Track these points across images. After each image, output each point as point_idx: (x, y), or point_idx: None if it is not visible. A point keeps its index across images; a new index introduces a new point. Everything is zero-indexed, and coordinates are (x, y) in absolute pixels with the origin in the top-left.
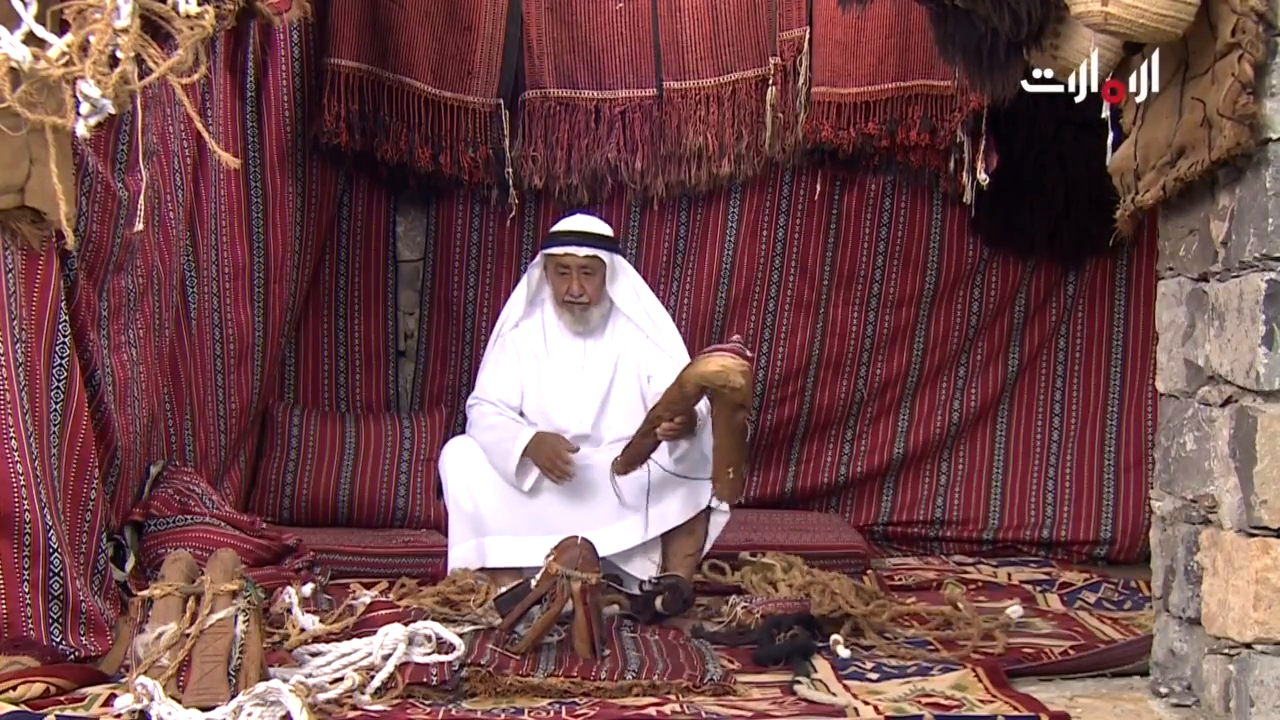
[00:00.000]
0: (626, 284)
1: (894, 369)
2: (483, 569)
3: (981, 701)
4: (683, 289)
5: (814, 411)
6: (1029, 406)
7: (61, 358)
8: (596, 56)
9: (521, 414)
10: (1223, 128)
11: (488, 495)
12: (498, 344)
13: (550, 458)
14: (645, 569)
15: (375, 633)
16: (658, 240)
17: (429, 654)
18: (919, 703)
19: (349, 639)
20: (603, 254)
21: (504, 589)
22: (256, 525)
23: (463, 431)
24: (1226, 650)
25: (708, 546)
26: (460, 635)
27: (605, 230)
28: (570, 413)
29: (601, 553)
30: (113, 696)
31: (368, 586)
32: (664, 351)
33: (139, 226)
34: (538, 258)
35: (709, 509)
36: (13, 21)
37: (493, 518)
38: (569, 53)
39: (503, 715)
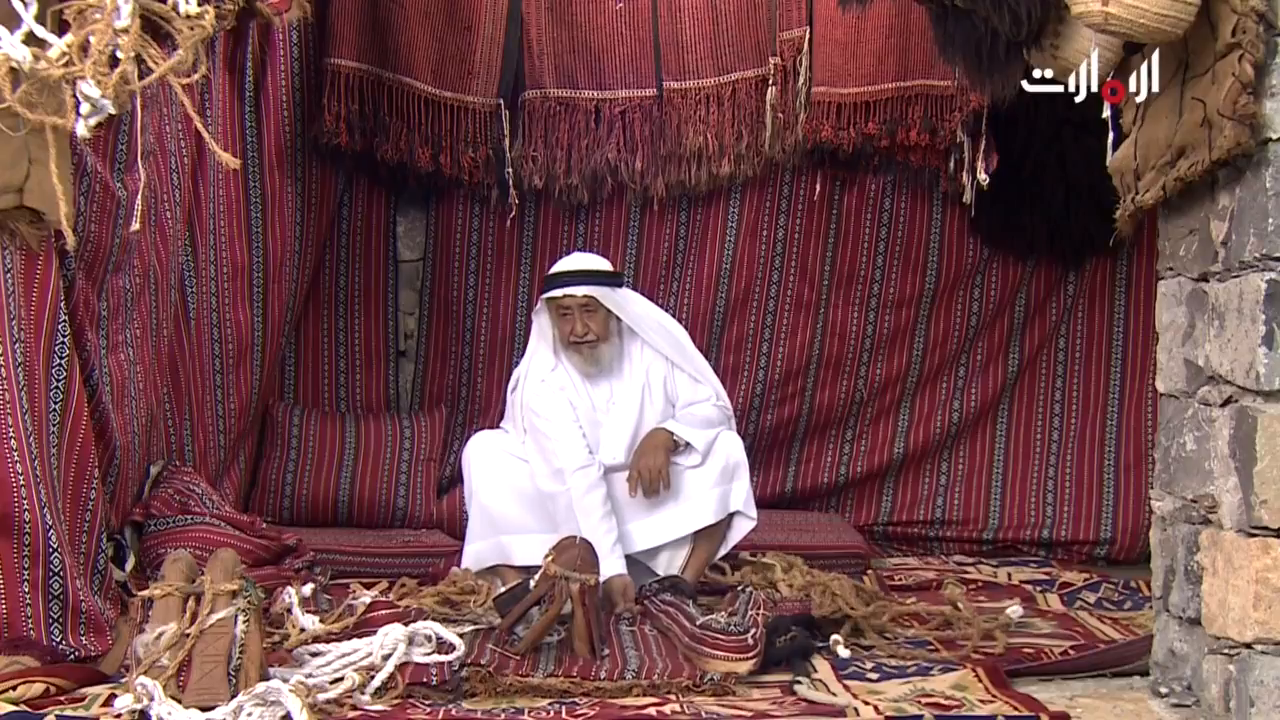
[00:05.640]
0: (638, 312)
1: (894, 369)
2: (492, 567)
3: (981, 701)
4: (683, 289)
5: (814, 411)
6: (1029, 406)
7: (61, 358)
8: (596, 56)
9: None
10: (1223, 128)
11: (509, 493)
12: (546, 400)
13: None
14: (672, 565)
15: (375, 633)
16: (658, 240)
17: (429, 654)
18: (919, 703)
19: (349, 639)
20: (600, 290)
21: (503, 589)
22: (256, 525)
23: (465, 431)
24: (1226, 650)
25: (724, 550)
26: (460, 635)
27: (603, 265)
28: (604, 447)
29: (627, 550)
30: (113, 696)
31: (368, 586)
32: (684, 371)
33: (135, 226)
34: (539, 305)
35: (733, 514)
36: (13, 21)
37: (514, 516)
38: (569, 53)
39: (503, 715)
